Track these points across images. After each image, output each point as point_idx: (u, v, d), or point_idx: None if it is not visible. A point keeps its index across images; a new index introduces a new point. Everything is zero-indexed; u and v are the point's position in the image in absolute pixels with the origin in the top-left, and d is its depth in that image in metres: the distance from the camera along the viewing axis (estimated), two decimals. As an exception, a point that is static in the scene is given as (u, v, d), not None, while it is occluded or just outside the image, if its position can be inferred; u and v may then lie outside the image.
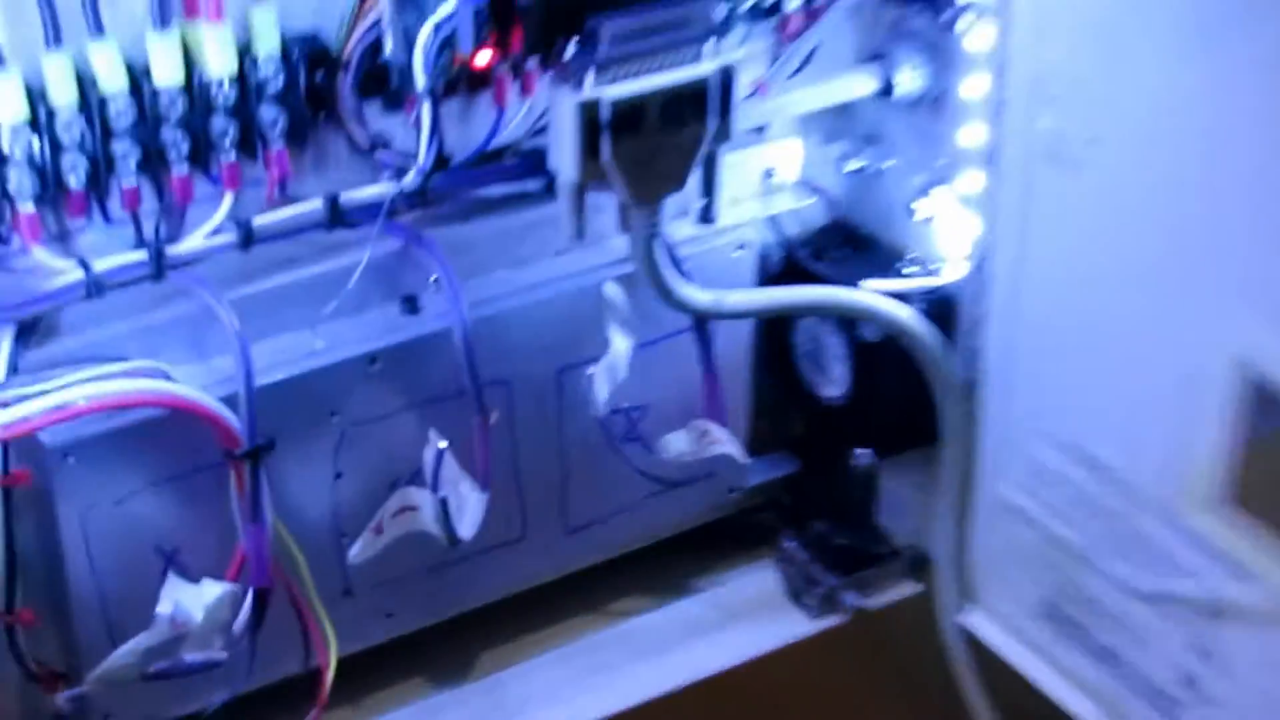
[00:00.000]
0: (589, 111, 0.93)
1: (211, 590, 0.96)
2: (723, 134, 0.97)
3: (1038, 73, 1.00)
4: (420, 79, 0.93)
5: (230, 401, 0.95)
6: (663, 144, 0.95)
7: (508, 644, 1.14)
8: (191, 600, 0.95)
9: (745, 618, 1.16)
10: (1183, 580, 1.02)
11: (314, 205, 0.98)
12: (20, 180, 0.90)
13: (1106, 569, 1.06)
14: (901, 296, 1.07)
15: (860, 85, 1.07)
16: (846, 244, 1.13)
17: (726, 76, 0.95)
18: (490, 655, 1.13)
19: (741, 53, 1.00)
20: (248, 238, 0.96)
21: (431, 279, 1.01)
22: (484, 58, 0.93)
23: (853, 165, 1.12)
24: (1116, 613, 1.06)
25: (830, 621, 1.16)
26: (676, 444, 1.08)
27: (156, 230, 0.95)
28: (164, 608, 0.95)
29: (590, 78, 0.93)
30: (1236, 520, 0.97)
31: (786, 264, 1.12)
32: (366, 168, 0.99)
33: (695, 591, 1.18)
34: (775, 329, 1.16)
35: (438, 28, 0.92)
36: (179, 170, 0.93)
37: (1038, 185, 1.02)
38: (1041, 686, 1.11)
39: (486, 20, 0.92)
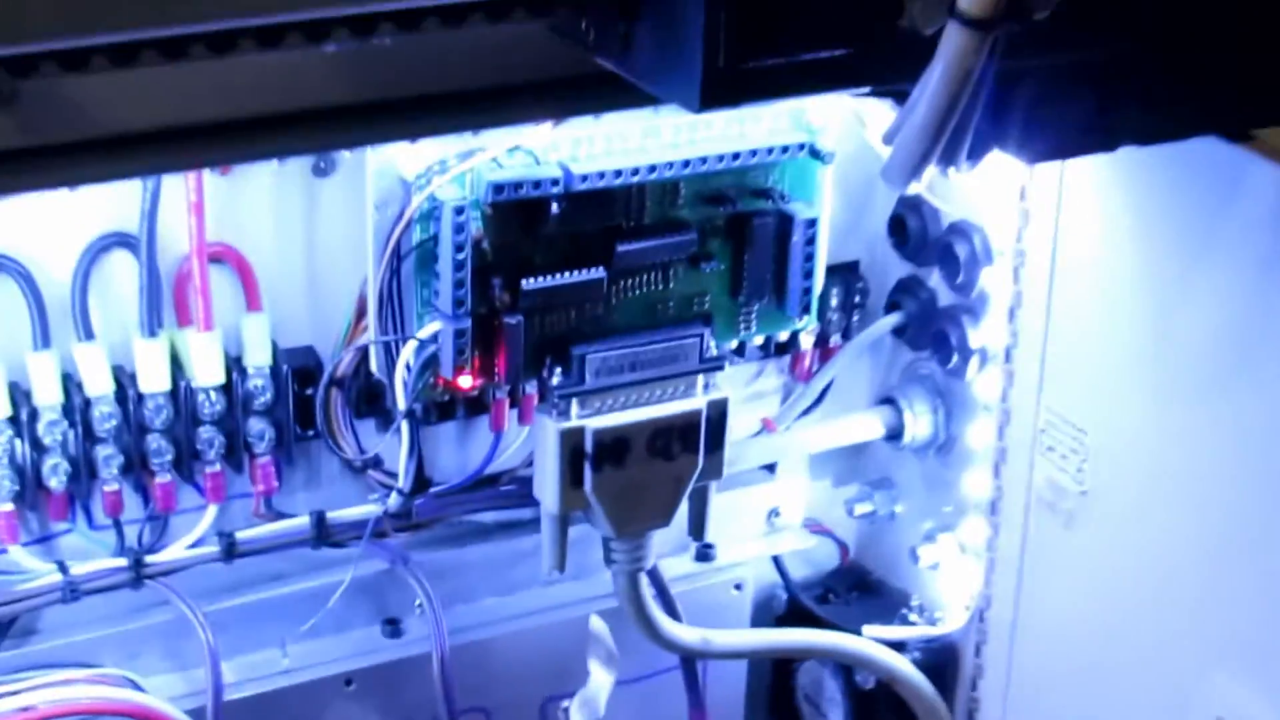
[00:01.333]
0: (572, 440, 0.90)
1: None
2: (712, 470, 0.93)
3: (1038, 423, 0.98)
4: (400, 398, 0.91)
5: (201, 714, 0.92)
6: (649, 477, 0.91)
7: None
8: None
9: None
10: None
11: (301, 522, 0.95)
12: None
13: None
14: (899, 645, 1.03)
15: (870, 428, 1.04)
16: (854, 589, 1.09)
17: (718, 411, 0.92)
18: None
19: (737, 390, 0.98)
20: (230, 550, 0.94)
21: (416, 602, 0.98)
22: (465, 381, 0.90)
23: (863, 509, 1.08)
24: None
25: None
26: None
27: (140, 538, 0.93)
28: None
29: (575, 406, 0.90)
30: None
31: (790, 606, 1.08)
32: (359, 486, 0.97)
33: None
34: (780, 668, 1.12)
35: (420, 347, 0.90)
36: (162, 478, 0.92)
37: (1035, 537, 1.00)
38: None
39: (469, 343, 0.89)
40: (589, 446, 0.90)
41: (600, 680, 0.99)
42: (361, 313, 0.92)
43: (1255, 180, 0.82)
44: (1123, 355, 0.91)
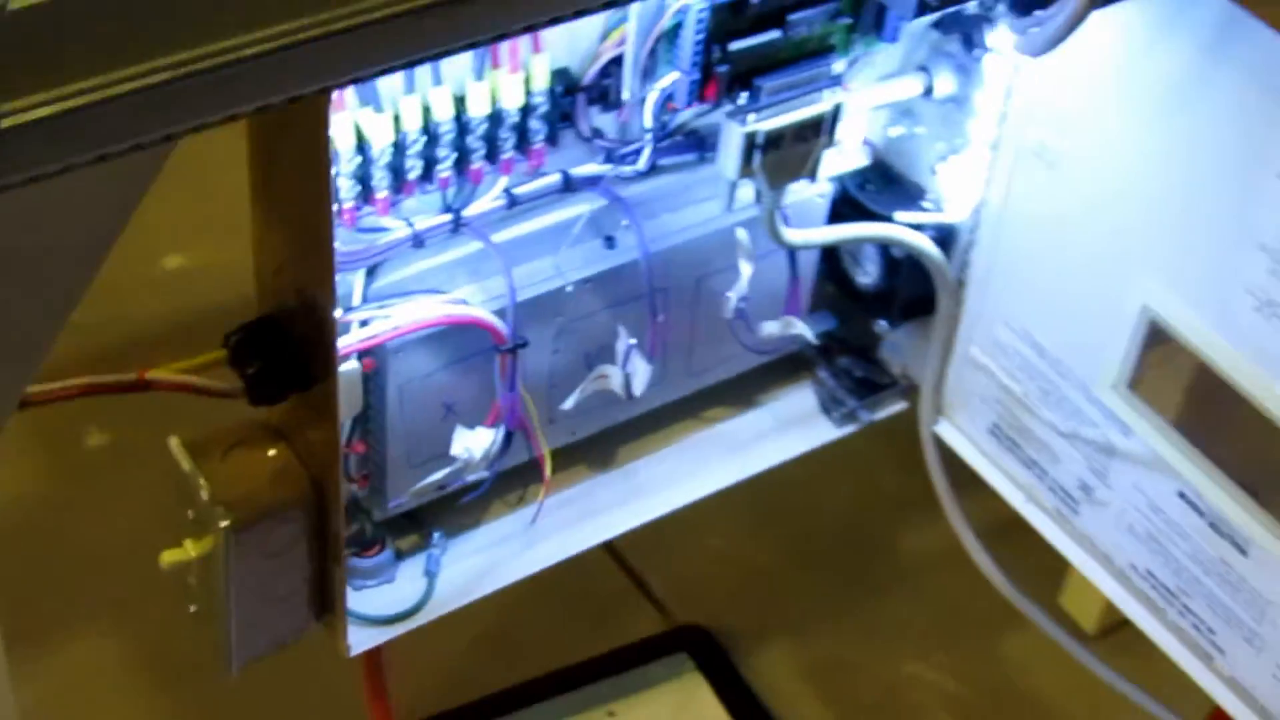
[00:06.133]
0: (750, 139, 1.27)
1: (486, 435, 1.32)
2: (830, 144, 1.32)
3: (1031, 100, 1.36)
4: (648, 122, 1.29)
5: (502, 313, 1.29)
6: (793, 153, 1.29)
7: (637, 441, 1.49)
8: (474, 443, 1.32)
9: (794, 425, 1.54)
10: (1088, 428, 1.42)
11: (555, 178, 1.30)
12: (381, 178, 1.22)
13: (1037, 412, 1.44)
14: (919, 225, 1.43)
15: (911, 87, 1.40)
16: (881, 178, 1.46)
17: (837, 110, 1.30)
18: (626, 449, 1.49)
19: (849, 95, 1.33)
20: (513, 202, 1.30)
21: (623, 223, 1.35)
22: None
23: (894, 131, 1.45)
24: (1041, 439, 1.45)
25: (849, 429, 1.55)
26: (770, 329, 1.44)
27: (455, 199, 1.28)
28: (457, 449, 1.31)
29: (752, 117, 1.28)
30: (1129, 398, 1.36)
31: (842, 192, 1.46)
32: (585, 147, 1.31)
33: (758, 405, 1.54)
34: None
35: (662, 91, 1.27)
36: (475, 164, 1.25)
37: (1022, 170, 1.38)
38: (985, 478, 1.53)
39: (698, 84, 1.26)
40: (759, 141, 1.28)
41: (746, 271, 1.38)
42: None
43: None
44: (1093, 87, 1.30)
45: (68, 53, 0.86)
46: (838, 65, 1.29)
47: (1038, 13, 1.16)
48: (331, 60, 0.94)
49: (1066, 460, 1.44)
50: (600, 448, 1.49)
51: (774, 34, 1.25)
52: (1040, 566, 1.56)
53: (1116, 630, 1.94)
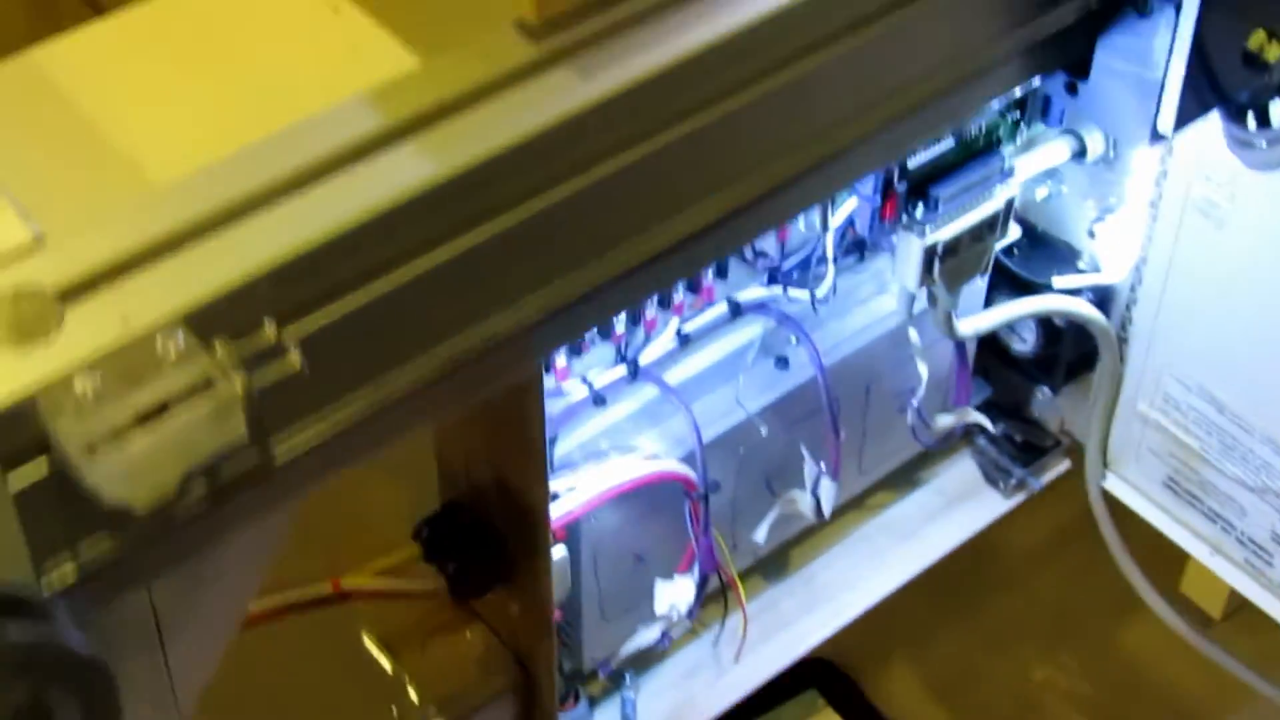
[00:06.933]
0: (929, 251, 1.23)
1: (687, 585, 1.28)
2: (1002, 235, 1.28)
3: (1195, 157, 1.31)
4: (831, 251, 1.24)
5: (690, 459, 1.24)
6: (970, 254, 1.25)
7: (808, 540, 1.45)
8: (677, 596, 1.27)
9: (962, 501, 1.49)
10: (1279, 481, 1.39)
11: (721, 308, 1.26)
12: (561, 346, 1.18)
13: (1219, 466, 1.41)
14: (1076, 290, 1.39)
15: (1061, 153, 1.32)
16: (1027, 242, 1.40)
17: (1010, 204, 1.26)
18: (799, 551, 1.45)
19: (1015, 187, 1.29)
20: (685, 342, 1.25)
21: (792, 339, 1.29)
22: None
23: (1040, 193, 1.39)
24: (1225, 492, 1.43)
25: (1019, 498, 1.51)
26: (945, 421, 1.41)
27: (628, 348, 1.22)
28: (661, 607, 1.27)
29: (929, 228, 1.23)
30: (1330, 454, 1.35)
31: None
32: (745, 269, 1.27)
33: (920, 483, 1.50)
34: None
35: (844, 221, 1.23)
36: (649, 315, 1.21)
37: (1187, 228, 1.33)
38: (1164, 532, 1.49)
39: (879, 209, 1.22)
40: (939, 250, 1.23)
41: (924, 372, 1.34)
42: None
43: None
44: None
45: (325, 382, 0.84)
46: (1008, 160, 1.24)
47: (1254, 127, 1.11)
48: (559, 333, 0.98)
49: (1255, 513, 1.40)
50: (774, 554, 1.44)
51: (948, 142, 1.20)
52: (1157, 557, 1.52)
53: (1239, 612, 1.94)
